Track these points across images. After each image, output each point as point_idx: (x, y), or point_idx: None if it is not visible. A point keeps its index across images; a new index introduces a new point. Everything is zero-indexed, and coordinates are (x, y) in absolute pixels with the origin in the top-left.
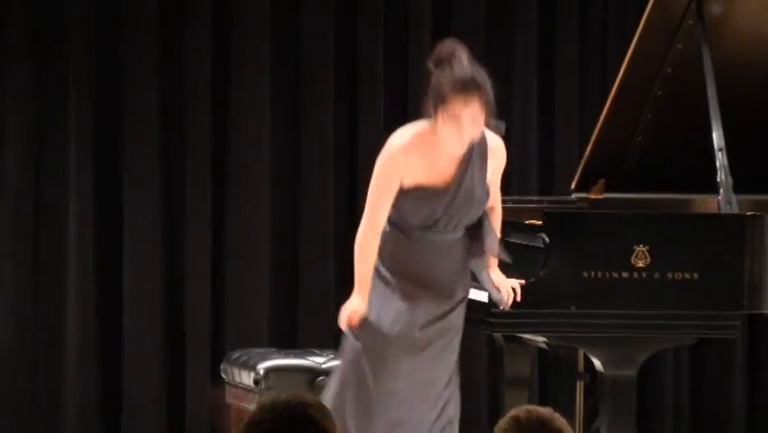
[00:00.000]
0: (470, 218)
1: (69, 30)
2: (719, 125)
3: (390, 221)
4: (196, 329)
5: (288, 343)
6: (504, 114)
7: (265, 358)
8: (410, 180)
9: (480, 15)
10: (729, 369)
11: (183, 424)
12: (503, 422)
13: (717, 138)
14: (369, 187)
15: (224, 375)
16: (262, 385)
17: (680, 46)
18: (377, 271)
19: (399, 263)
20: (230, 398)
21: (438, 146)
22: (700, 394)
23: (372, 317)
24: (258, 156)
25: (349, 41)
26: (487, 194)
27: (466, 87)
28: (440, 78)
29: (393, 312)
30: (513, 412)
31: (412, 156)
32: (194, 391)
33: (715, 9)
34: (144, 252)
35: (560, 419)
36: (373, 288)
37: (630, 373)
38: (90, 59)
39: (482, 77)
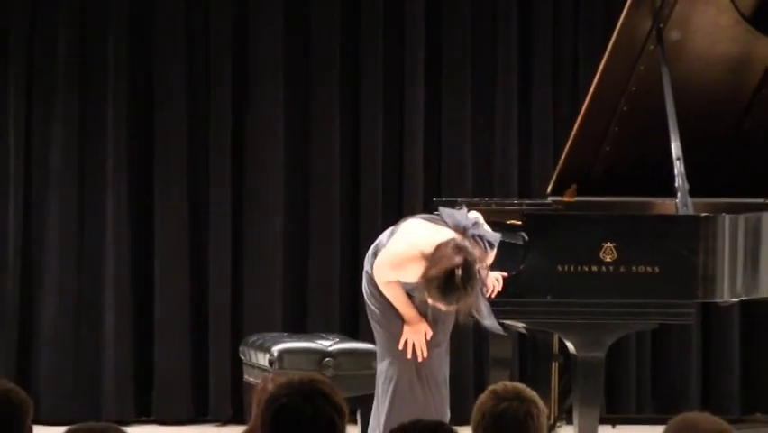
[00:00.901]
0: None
1: (110, 59)
2: (677, 137)
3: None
4: (218, 317)
5: (298, 328)
6: (488, 127)
7: (278, 341)
8: (404, 280)
9: (466, 49)
10: (686, 350)
11: (207, 399)
12: (484, 395)
13: (675, 148)
14: (368, 192)
15: (242, 356)
16: (276, 366)
17: (642, 67)
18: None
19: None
20: (247, 376)
21: None
22: (660, 372)
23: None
24: (273, 166)
25: (352, 78)
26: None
27: (447, 302)
28: (433, 278)
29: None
30: (491, 387)
31: (404, 270)
32: (216, 370)
33: (674, 35)
34: (173, 249)
35: (531, 391)
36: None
37: (599, 354)
38: (126, 83)
39: (469, 296)
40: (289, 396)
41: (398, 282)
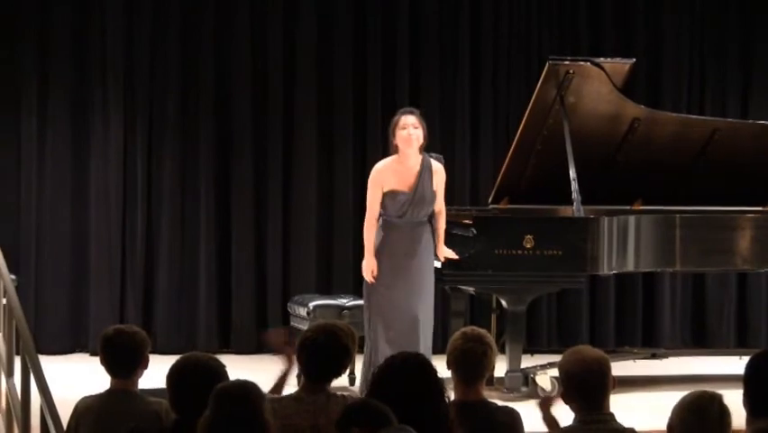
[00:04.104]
0: (425, 212)
1: (201, 116)
2: (573, 165)
3: (381, 216)
4: (273, 283)
5: (326, 291)
6: (447, 153)
7: (313, 300)
8: (387, 187)
9: (434, 101)
10: (578, 305)
11: None
12: (458, 334)
13: (572, 172)
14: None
15: (289, 310)
16: (311, 316)
17: (551, 120)
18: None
19: (385, 241)
20: (292, 323)
21: (401, 167)
22: (562, 320)
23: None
24: (308, 186)
25: (360, 120)
26: (434, 198)
27: (404, 111)
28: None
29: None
30: (462, 329)
31: (385, 173)
32: (272, 318)
33: (571, 100)
34: (243, 240)
35: (489, 337)
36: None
37: (522, 308)
38: (213, 130)
39: (416, 112)
40: (314, 332)
41: (379, 190)
